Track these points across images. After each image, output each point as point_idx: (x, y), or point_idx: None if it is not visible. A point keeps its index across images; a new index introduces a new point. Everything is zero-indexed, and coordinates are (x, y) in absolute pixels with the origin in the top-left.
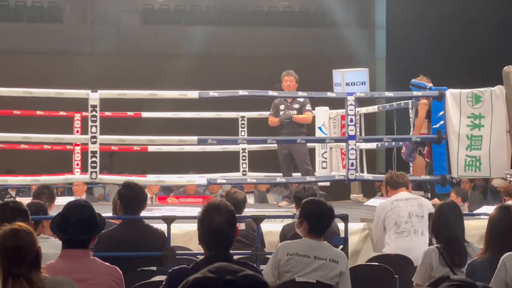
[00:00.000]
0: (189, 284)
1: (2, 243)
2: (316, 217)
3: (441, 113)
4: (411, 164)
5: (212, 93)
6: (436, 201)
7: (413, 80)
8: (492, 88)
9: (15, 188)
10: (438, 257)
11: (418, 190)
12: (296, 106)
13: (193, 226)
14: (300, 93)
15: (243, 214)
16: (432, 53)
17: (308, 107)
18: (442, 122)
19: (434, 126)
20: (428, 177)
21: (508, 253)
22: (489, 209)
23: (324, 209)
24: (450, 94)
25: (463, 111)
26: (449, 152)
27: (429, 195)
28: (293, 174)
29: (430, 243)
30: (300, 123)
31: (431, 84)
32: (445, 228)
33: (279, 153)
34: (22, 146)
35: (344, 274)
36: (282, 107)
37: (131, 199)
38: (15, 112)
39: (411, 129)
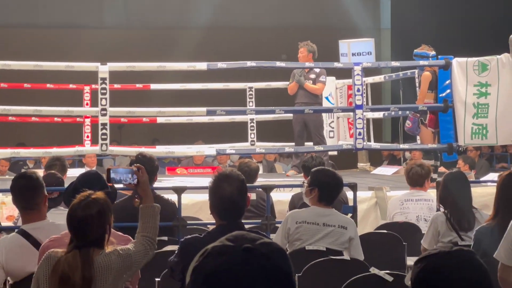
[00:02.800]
0: (208, 253)
1: (73, 211)
2: (327, 186)
3: (447, 82)
4: (418, 137)
5: (221, 65)
6: (443, 169)
7: (415, 50)
8: (498, 56)
9: (33, 160)
10: (445, 222)
11: (427, 159)
12: (312, 76)
13: (203, 196)
14: (307, 64)
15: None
16: (437, 22)
17: (322, 78)
18: (448, 91)
19: (441, 95)
20: (435, 146)
21: None
22: (496, 176)
23: (333, 178)
24: (456, 63)
25: (469, 80)
26: (455, 121)
27: (438, 163)
28: (305, 143)
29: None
30: (315, 94)
31: (433, 52)
32: (451, 197)
33: (294, 122)
34: (33, 119)
35: (353, 240)
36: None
37: None
38: (25, 85)
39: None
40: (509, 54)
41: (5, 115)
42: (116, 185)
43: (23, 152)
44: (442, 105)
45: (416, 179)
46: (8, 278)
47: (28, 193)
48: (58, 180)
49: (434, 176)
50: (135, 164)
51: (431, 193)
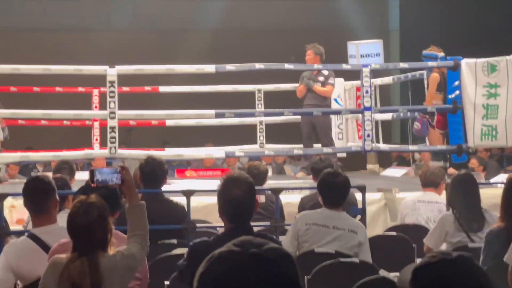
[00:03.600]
0: (214, 258)
1: (73, 219)
2: (330, 189)
3: (456, 83)
4: (427, 138)
5: (229, 67)
6: (452, 170)
7: (424, 51)
8: (507, 57)
9: (42, 164)
10: (453, 222)
11: (436, 161)
12: (321, 78)
13: (213, 199)
14: (316, 66)
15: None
16: (446, 23)
17: (331, 80)
18: (457, 92)
19: (450, 96)
20: (444, 147)
21: None
22: (505, 177)
23: (337, 181)
24: (465, 64)
25: (478, 81)
26: (465, 122)
27: (448, 164)
28: (314, 145)
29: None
30: (324, 96)
31: (442, 53)
32: (460, 199)
33: (302, 124)
34: (42, 122)
35: (363, 245)
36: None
37: (151, 173)
38: (34, 89)
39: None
40: None
41: (15, 118)
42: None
43: (32, 155)
44: (451, 106)
45: (433, 180)
46: (18, 281)
47: (40, 196)
48: (65, 184)
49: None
50: (119, 165)
51: (443, 196)
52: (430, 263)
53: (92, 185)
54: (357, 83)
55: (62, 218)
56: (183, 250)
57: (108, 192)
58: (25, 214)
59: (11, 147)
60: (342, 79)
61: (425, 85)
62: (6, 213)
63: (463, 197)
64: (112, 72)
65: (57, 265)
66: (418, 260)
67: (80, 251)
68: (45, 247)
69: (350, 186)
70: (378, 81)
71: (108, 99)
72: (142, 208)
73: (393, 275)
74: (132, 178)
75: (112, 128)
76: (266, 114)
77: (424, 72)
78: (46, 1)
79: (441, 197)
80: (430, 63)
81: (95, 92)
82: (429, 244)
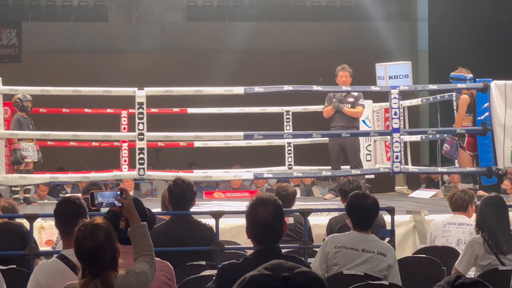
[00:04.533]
0: (246, 282)
1: (81, 242)
2: (359, 211)
3: (485, 104)
4: (456, 160)
5: (258, 89)
6: (482, 192)
7: (452, 73)
8: None
9: (71, 185)
10: (483, 245)
11: (466, 183)
12: (350, 99)
13: (241, 221)
14: (344, 88)
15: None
16: (475, 45)
17: (361, 101)
18: (487, 113)
19: (479, 118)
20: (474, 169)
21: None
22: None
23: (366, 203)
24: (495, 85)
25: (508, 103)
26: (494, 144)
27: (477, 186)
28: (342, 167)
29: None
30: (353, 117)
31: (471, 75)
32: (488, 221)
33: (330, 146)
34: (71, 143)
35: (392, 268)
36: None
37: (180, 195)
38: (64, 110)
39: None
40: None
41: (44, 140)
42: (102, 208)
43: (61, 176)
44: (481, 128)
45: (460, 204)
46: None
47: (70, 218)
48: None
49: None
50: (118, 187)
51: (473, 218)
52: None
53: (92, 208)
54: (385, 104)
55: None
56: (211, 272)
57: (140, 211)
58: (54, 235)
59: (41, 168)
60: (370, 101)
61: (454, 107)
62: (35, 234)
63: (493, 220)
64: (141, 94)
65: None
66: None
67: (92, 274)
68: (75, 269)
69: (379, 208)
70: (407, 102)
71: (137, 120)
72: (143, 229)
73: None
74: (131, 201)
75: (141, 149)
76: (294, 136)
77: (453, 93)
78: (75, 24)
79: (472, 220)
80: (460, 85)
81: (124, 113)
82: (459, 268)
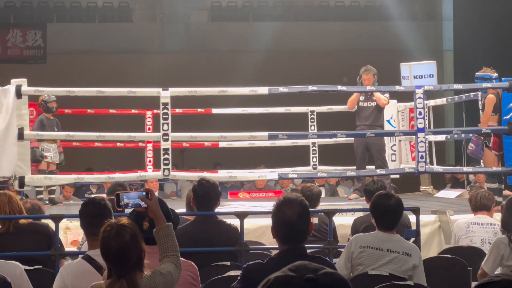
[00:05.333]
0: (270, 283)
1: (107, 243)
2: (383, 211)
3: (511, 104)
4: (481, 160)
5: (282, 89)
6: (508, 192)
7: (477, 73)
8: None
9: (96, 185)
10: (508, 245)
11: (491, 182)
12: (375, 98)
13: (266, 221)
14: (368, 88)
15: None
16: (500, 43)
17: (387, 95)
18: None
19: (505, 117)
20: (499, 169)
21: None
22: None
23: (390, 203)
24: None
25: None
26: None
27: (503, 186)
28: (367, 167)
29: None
30: (380, 115)
31: (496, 74)
32: None
33: (355, 146)
34: (96, 144)
35: (417, 268)
36: (362, 98)
37: (205, 195)
38: (89, 111)
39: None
40: None
41: (69, 140)
42: (126, 209)
43: (86, 177)
44: (507, 127)
45: (485, 204)
46: None
47: (95, 219)
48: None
49: (499, 199)
50: (143, 188)
51: (497, 217)
52: (493, 281)
53: (118, 209)
54: (410, 104)
55: None
56: (236, 272)
57: (164, 211)
58: (79, 235)
59: (66, 169)
60: (395, 101)
61: (480, 106)
62: (61, 234)
63: None
64: (165, 94)
65: None
66: (474, 283)
67: (118, 274)
68: (100, 269)
69: (403, 208)
70: (432, 102)
71: (162, 121)
72: (169, 229)
73: None
74: (157, 201)
75: (166, 150)
76: (319, 136)
77: (479, 93)
78: (100, 24)
79: (495, 219)
80: (485, 84)
81: (149, 114)
82: (485, 268)
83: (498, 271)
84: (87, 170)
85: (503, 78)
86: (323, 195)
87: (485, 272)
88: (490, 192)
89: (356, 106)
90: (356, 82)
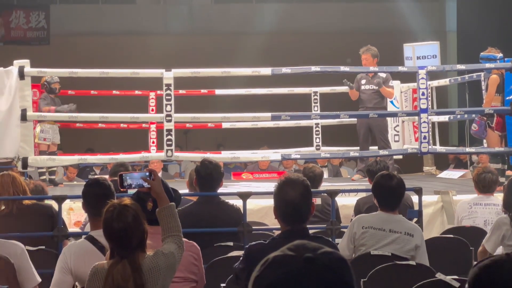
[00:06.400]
0: (269, 262)
1: (109, 223)
2: (385, 192)
3: None
4: (484, 140)
5: (285, 70)
6: (510, 172)
7: (481, 53)
8: None
9: (99, 166)
10: (510, 225)
11: (495, 163)
12: (377, 80)
13: (269, 202)
14: (371, 68)
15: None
16: (504, 24)
17: (391, 83)
18: None
19: (508, 98)
20: (502, 149)
21: None
22: None
23: (392, 183)
24: None
25: None
26: None
27: (506, 166)
28: (370, 147)
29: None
30: (382, 97)
31: (501, 55)
32: None
33: (358, 127)
34: (100, 125)
35: (419, 248)
36: (363, 81)
37: (207, 176)
38: (92, 92)
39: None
40: None
41: (73, 121)
42: (130, 190)
43: (90, 158)
44: (510, 108)
45: (490, 185)
46: (76, 283)
47: (98, 199)
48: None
49: (502, 179)
50: (146, 168)
51: (499, 197)
52: (494, 260)
53: (121, 189)
54: (413, 85)
55: None
56: (239, 253)
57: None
58: (82, 216)
59: (69, 150)
60: (398, 81)
61: (483, 87)
62: (64, 215)
63: None
64: (168, 75)
65: (99, 272)
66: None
67: (120, 255)
68: (103, 250)
69: (404, 188)
70: (435, 83)
71: (165, 102)
72: (172, 209)
73: (450, 278)
74: (160, 182)
75: (169, 131)
76: (322, 117)
77: (482, 73)
78: (103, 6)
79: (497, 199)
80: (488, 65)
81: (152, 95)
82: (487, 247)
83: (499, 250)
84: (87, 151)
85: (506, 59)
86: (326, 176)
87: (485, 249)
88: (494, 171)
89: (359, 93)
90: (361, 63)
